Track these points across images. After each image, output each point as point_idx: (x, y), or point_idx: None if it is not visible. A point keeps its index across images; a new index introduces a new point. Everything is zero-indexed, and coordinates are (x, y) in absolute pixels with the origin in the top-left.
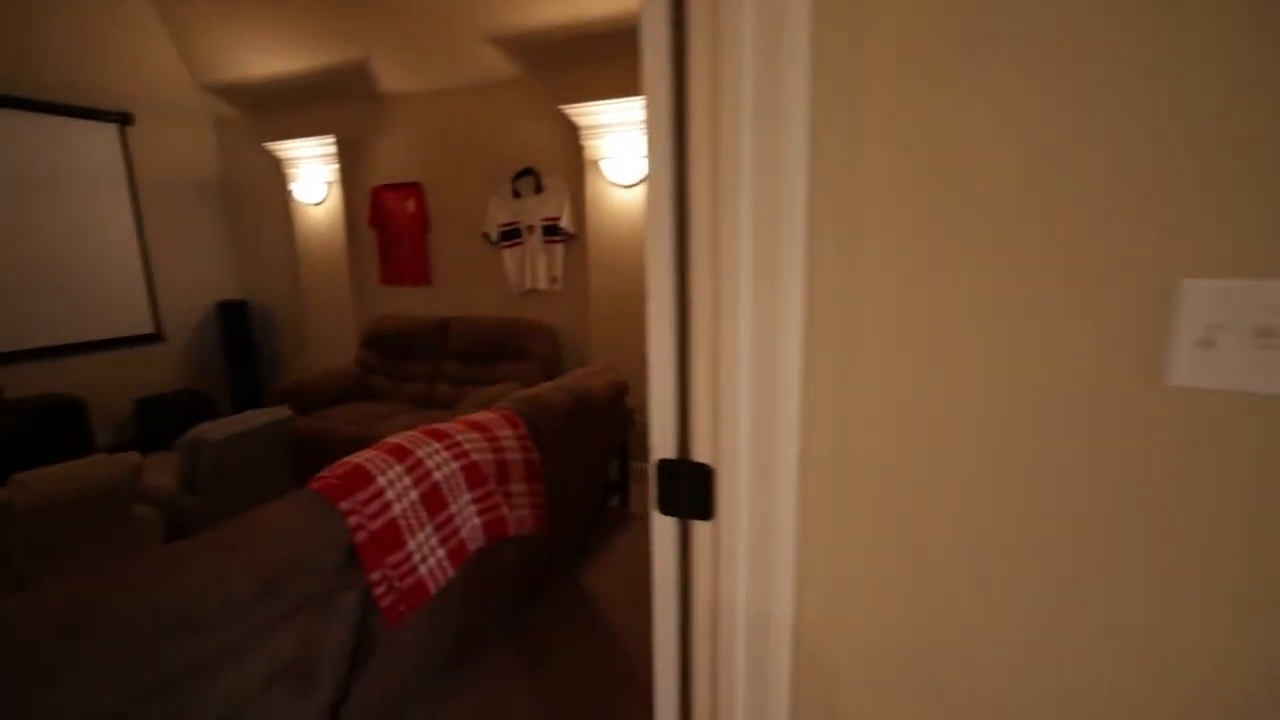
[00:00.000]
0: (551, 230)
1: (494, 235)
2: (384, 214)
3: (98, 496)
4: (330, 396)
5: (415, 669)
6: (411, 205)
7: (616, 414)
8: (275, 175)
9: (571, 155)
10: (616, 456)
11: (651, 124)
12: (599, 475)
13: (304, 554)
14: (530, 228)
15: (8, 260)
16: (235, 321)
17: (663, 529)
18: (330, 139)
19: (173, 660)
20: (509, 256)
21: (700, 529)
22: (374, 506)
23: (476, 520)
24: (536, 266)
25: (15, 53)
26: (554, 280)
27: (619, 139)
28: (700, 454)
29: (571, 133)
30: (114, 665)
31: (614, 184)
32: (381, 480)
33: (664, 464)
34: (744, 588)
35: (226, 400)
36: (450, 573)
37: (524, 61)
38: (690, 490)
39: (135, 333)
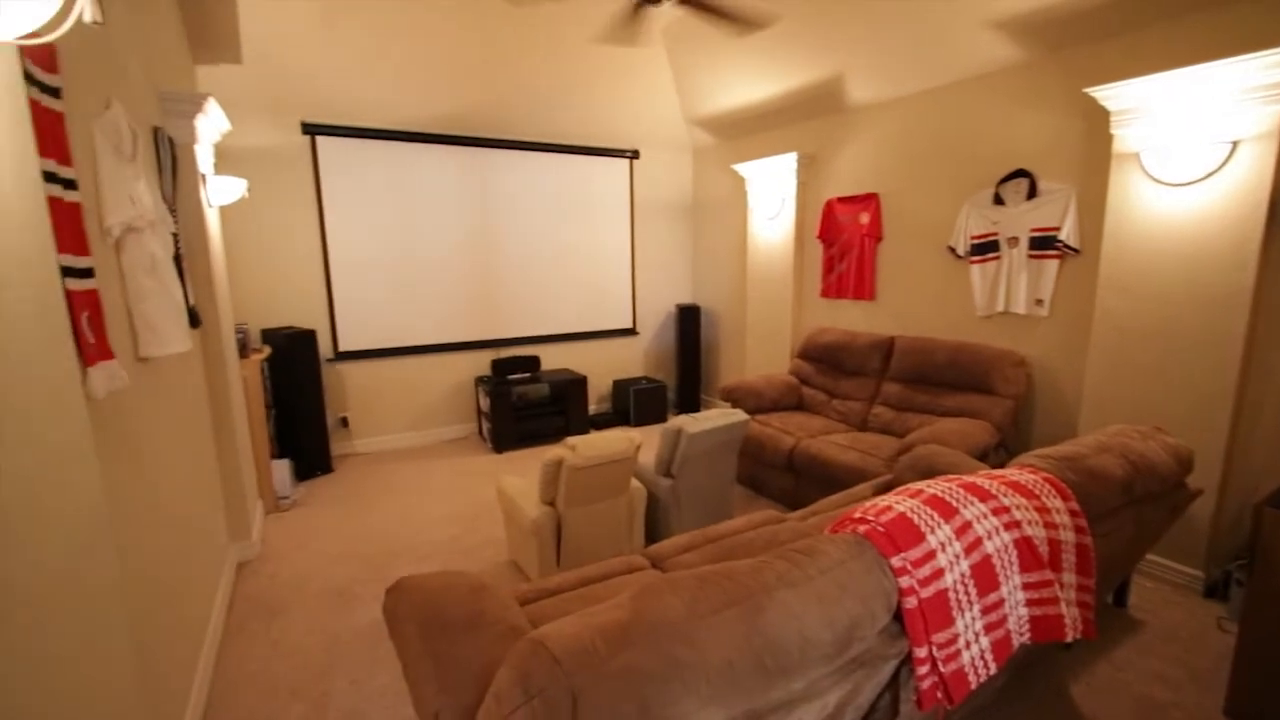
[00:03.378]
0: (1044, 243)
1: (961, 248)
2: (835, 226)
3: (613, 465)
4: (770, 402)
5: None
6: (866, 217)
7: (1173, 495)
8: (737, 193)
9: (1087, 151)
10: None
11: None
12: (1127, 567)
13: (864, 609)
14: (1013, 240)
15: (550, 266)
16: (689, 322)
17: None
18: (793, 156)
19: (763, 697)
20: (979, 273)
21: None
22: (926, 570)
23: (1024, 611)
24: (1015, 285)
25: (570, 113)
26: (1038, 303)
27: (1173, 122)
28: None
29: (1092, 122)
30: (727, 686)
31: (1157, 182)
32: (932, 541)
33: None
34: None
35: (674, 388)
36: (992, 668)
37: (1036, 42)
38: None
39: (619, 327)
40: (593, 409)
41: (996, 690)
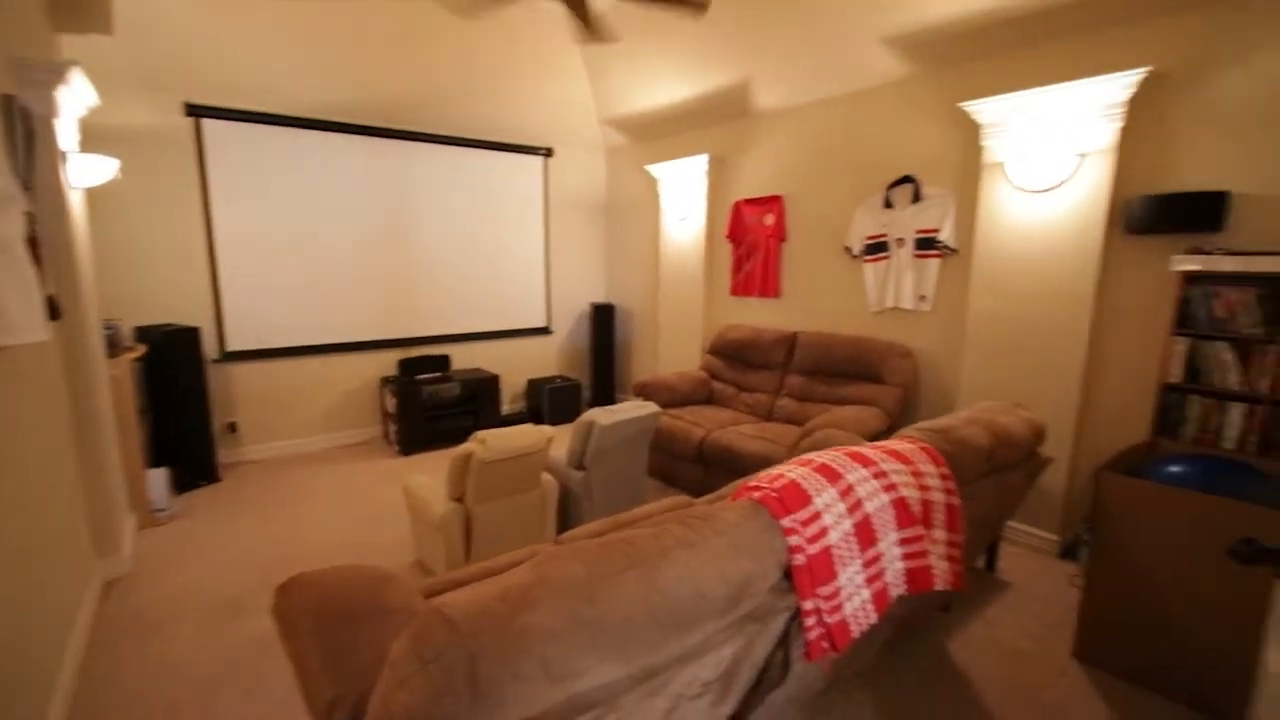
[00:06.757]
0: (926, 244)
1: (856, 248)
2: (742, 227)
3: (524, 459)
4: (682, 396)
5: (786, 703)
6: (770, 218)
7: (1029, 462)
8: (649, 194)
9: (963, 160)
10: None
11: None
12: (992, 532)
13: (758, 567)
14: (900, 241)
15: (462, 264)
16: (603, 321)
17: None
18: (704, 158)
19: (661, 651)
20: (871, 271)
21: None
22: (812, 529)
23: (900, 565)
24: (902, 283)
25: (483, 108)
26: (921, 299)
27: (1032, 136)
28: None
29: (967, 133)
30: (625, 640)
31: (1019, 189)
32: (818, 502)
33: None
34: None
35: (589, 386)
36: (873, 618)
37: (920, 59)
38: None
39: (533, 325)
40: (506, 408)
41: (880, 649)
